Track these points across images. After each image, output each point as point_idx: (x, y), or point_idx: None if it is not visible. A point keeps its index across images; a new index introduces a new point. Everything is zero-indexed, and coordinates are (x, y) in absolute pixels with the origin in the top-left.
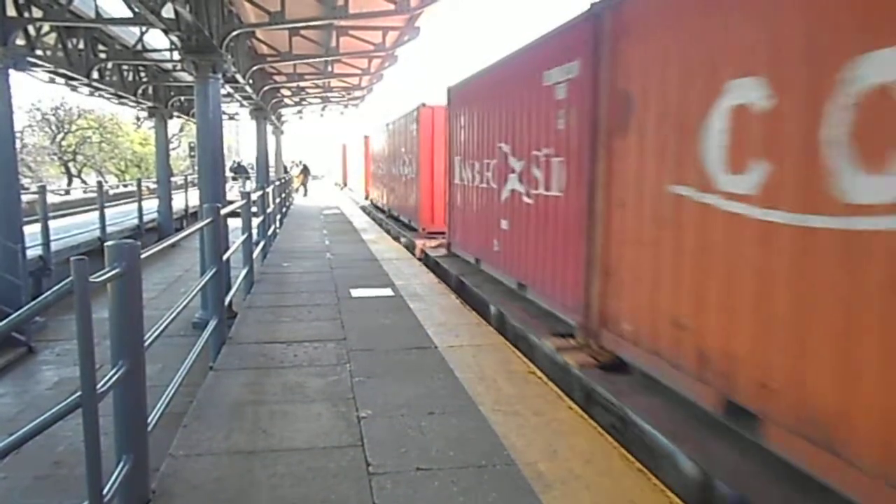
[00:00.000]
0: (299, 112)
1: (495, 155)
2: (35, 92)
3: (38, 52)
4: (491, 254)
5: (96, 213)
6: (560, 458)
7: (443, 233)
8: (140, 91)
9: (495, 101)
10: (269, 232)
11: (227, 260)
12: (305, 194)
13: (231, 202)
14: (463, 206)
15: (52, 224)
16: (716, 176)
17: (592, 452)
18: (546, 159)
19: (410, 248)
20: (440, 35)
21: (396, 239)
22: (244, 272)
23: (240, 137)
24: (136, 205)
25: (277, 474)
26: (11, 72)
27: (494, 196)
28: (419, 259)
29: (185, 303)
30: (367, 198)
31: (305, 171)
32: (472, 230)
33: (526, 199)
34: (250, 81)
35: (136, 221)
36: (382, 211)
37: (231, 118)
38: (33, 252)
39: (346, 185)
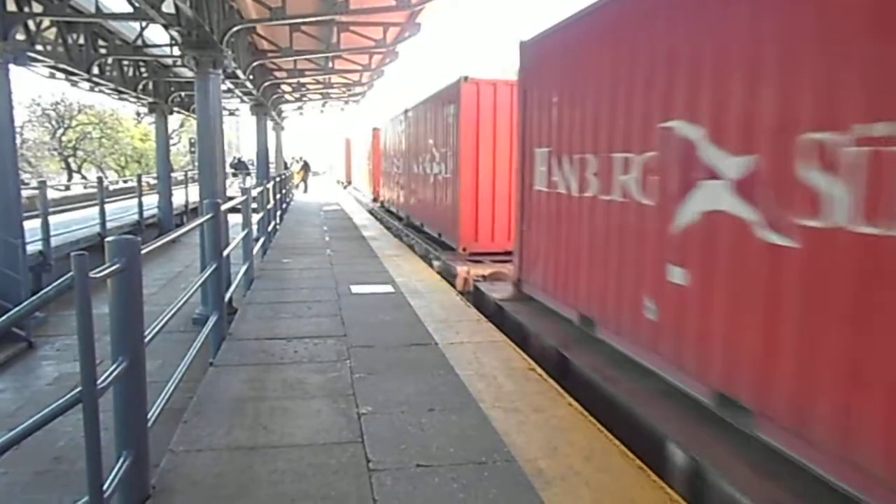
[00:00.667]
0: (300, 108)
1: (651, 144)
2: (35, 87)
3: (39, 47)
4: (634, 321)
5: (96, 209)
6: (560, 454)
7: (491, 255)
8: (140, 86)
9: (651, 44)
10: (269, 228)
11: (228, 256)
12: (306, 191)
13: (231, 198)
14: (554, 228)
15: (52, 219)
16: None
17: (592, 449)
18: None
19: (448, 275)
20: (441, 31)
21: (425, 259)
22: (244, 268)
23: (240, 133)
24: (136, 200)
25: (278, 470)
26: (11, 67)
27: (647, 219)
28: (460, 293)
29: (185, 299)
30: (376, 199)
31: (306, 167)
32: (579, 270)
33: (765, 236)
34: (251, 77)
35: (136, 217)
36: (398, 217)
37: (231, 114)
38: (33, 247)
39: (349, 183)
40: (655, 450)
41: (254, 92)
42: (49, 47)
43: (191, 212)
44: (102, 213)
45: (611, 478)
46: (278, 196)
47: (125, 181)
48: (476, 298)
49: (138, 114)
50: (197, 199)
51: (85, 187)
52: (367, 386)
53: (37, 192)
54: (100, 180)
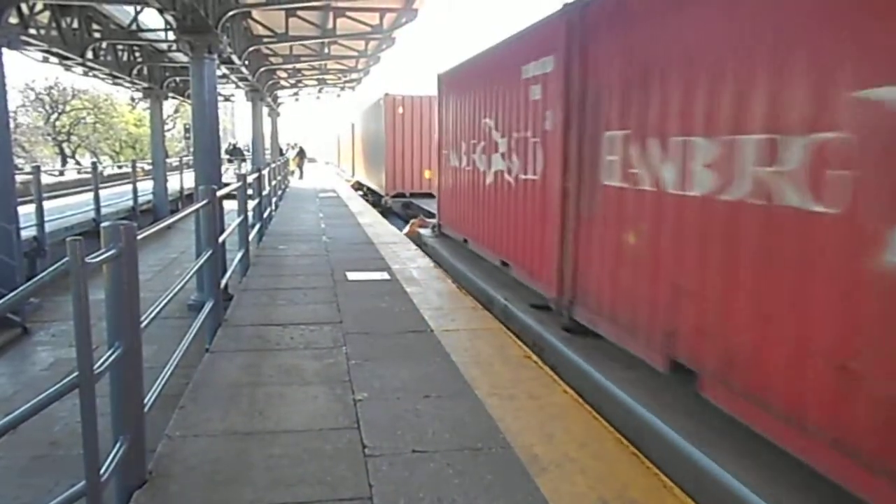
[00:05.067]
0: (295, 94)
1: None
2: (29, 71)
3: (32, 31)
4: None
5: (90, 195)
6: (555, 441)
7: None
8: (135, 71)
9: None
10: (265, 215)
11: (223, 242)
12: (301, 177)
13: (227, 184)
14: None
15: (46, 205)
16: None
17: (587, 436)
18: None
19: None
20: (437, 18)
21: None
22: (240, 255)
23: (235, 119)
24: (130, 186)
25: (274, 456)
26: (5, 50)
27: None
28: None
29: (181, 284)
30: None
31: (301, 154)
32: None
33: None
34: (246, 63)
35: (130, 203)
36: None
37: (227, 100)
38: (28, 233)
39: (405, 195)
40: None
41: (249, 77)
42: (42, 31)
43: (186, 198)
44: (97, 198)
45: (605, 465)
46: (274, 182)
47: (119, 167)
48: None
49: (133, 99)
50: (192, 185)
51: (79, 172)
52: (363, 372)
53: (31, 177)
54: (94, 166)
